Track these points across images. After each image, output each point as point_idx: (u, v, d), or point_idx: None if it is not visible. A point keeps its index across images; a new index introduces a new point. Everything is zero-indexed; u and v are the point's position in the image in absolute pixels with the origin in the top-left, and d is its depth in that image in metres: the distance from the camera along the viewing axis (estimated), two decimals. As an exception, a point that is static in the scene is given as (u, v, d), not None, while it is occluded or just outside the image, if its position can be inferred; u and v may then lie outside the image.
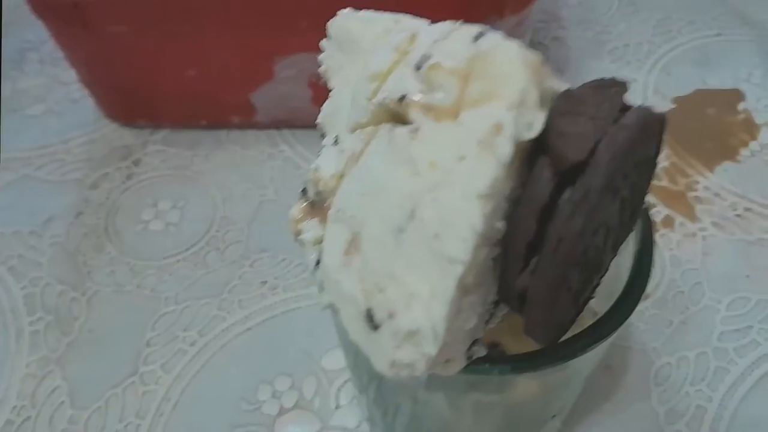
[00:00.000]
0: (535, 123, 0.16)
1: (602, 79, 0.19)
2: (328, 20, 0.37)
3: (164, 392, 0.34)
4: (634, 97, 0.47)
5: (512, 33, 0.39)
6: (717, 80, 0.48)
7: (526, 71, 0.16)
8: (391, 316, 0.17)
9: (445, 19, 0.37)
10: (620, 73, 0.49)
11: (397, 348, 0.17)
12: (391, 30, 0.23)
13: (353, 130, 0.22)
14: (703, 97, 0.48)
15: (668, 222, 0.40)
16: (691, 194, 0.42)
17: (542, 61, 0.17)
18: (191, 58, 0.40)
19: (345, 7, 0.36)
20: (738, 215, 0.41)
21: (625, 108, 0.18)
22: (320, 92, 0.41)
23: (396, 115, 0.19)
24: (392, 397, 0.27)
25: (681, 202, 0.41)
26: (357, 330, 0.18)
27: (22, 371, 0.35)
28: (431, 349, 0.16)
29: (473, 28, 0.18)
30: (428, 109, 0.17)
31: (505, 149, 0.15)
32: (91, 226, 0.40)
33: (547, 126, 0.16)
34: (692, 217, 0.41)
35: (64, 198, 0.42)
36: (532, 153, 0.17)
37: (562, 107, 0.17)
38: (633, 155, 0.17)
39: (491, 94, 0.16)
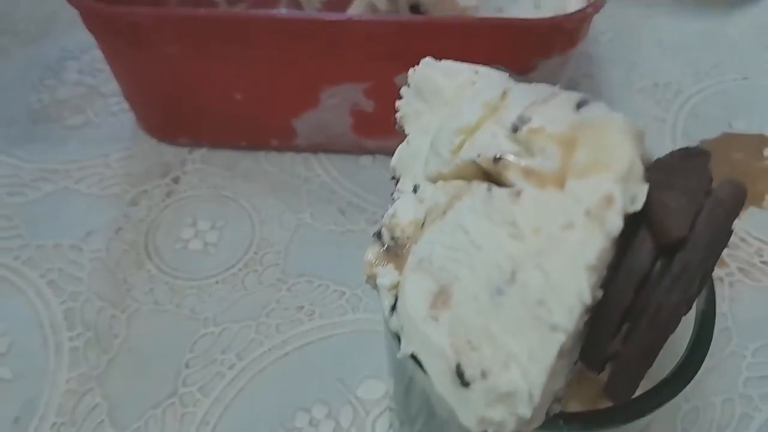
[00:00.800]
0: (639, 196, 0.17)
1: (687, 149, 0.20)
2: (377, 52, 0.38)
3: (203, 415, 0.34)
4: (663, 138, 0.48)
5: (556, 72, 0.40)
6: (743, 124, 0.49)
7: (633, 143, 0.17)
8: (484, 374, 0.17)
9: (494, 61, 0.38)
10: (650, 112, 0.50)
11: (489, 406, 0.17)
12: (473, 81, 0.23)
13: (434, 180, 0.22)
14: (729, 141, 0.49)
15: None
16: (720, 239, 0.42)
17: (643, 132, 0.18)
18: (239, 82, 0.40)
19: (395, 42, 0.37)
20: (763, 261, 0.41)
21: (710, 177, 0.19)
22: (361, 120, 0.42)
23: (485, 173, 0.20)
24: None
25: (710, 246, 0.42)
26: (443, 383, 0.19)
27: (62, 387, 0.35)
28: (525, 411, 0.17)
29: (574, 95, 0.19)
30: (529, 173, 0.18)
31: (615, 222, 0.16)
32: (131, 242, 0.41)
33: (646, 197, 0.17)
34: (720, 262, 0.41)
35: (104, 213, 0.42)
36: (628, 222, 0.17)
37: (657, 179, 0.18)
38: (726, 229, 0.18)
39: (598, 165, 0.17)
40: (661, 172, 0.18)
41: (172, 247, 0.41)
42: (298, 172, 0.45)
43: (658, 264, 0.17)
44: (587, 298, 0.16)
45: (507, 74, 0.22)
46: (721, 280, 0.40)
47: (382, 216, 0.42)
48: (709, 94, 0.51)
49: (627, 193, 0.16)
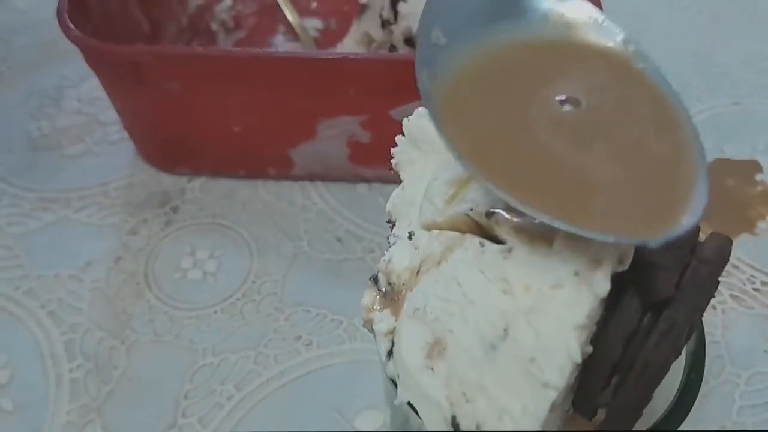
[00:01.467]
0: (626, 257, 0.17)
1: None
2: (371, 87, 0.39)
3: (202, 446, 0.35)
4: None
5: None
6: (735, 150, 0.50)
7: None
8: (479, 427, 0.18)
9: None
10: (643, 139, 0.50)
11: (484, 457, 0.18)
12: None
13: (428, 228, 0.23)
14: (722, 167, 0.49)
15: (691, 294, 0.42)
16: (712, 266, 0.43)
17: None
18: (238, 115, 0.41)
19: (391, 77, 0.38)
20: (756, 289, 0.42)
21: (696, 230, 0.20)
22: (357, 151, 0.43)
23: (478, 225, 0.21)
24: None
25: (703, 274, 0.43)
26: (439, 432, 0.19)
27: (63, 418, 0.35)
28: (519, 462, 0.17)
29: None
30: (519, 229, 0.19)
31: (603, 285, 0.17)
32: (131, 272, 0.41)
33: (634, 255, 0.18)
34: (713, 289, 0.42)
35: (104, 242, 0.42)
36: (616, 277, 0.18)
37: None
38: (711, 284, 0.18)
39: (585, 226, 0.17)
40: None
41: (172, 277, 0.41)
42: (296, 200, 0.45)
43: (646, 319, 0.18)
44: (577, 357, 0.16)
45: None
46: (713, 307, 0.41)
47: (379, 245, 0.42)
48: (701, 119, 0.52)
49: (614, 255, 0.17)
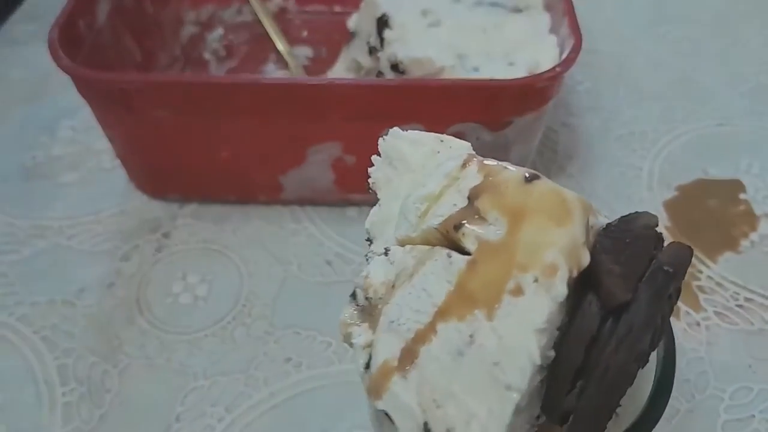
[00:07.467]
0: (583, 261, 0.18)
1: (636, 214, 0.21)
2: (360, 111, 0.40)
3: (193, 468, 0.35)
4: (640, 186, 0.49)
5: (531, 126, 0.42)
6: (718, 170, 0.51)
7: (578, 215, 0.18)
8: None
9: (470, 119, 0.40)
10: (627, 160, 0.51)
11: (454, 461, 0.19)
12: (437, 150, 0.25)
13: (402, 244, 0.24)
14: (705, 186, 0.50)
15: (674, 311, 0.42)
16: (695, 283, 0.44)
17: (590, 204, 0.19)
18: (228, 142, 0.42)
19: (377, 102, 0.39)
20: (739, 305, 0.42)
21: (658, 240, 0.20)
22: (342, 174, 0.43)
23: (448, 238, 0.21)
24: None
25: (686, 291, 0.43)
26: (412, 439, 0.20)
27: (56, 442, 0.36)
28: (487, 466, 0.18)
29: (523, 170, 0.20)
30: (483, 241, 0.19)
31: (560, 290, 0.17)
32: (123, 297, 0.42)
33: (593, 262, 0.18)
34: (696, 306, 0.43)
35: (97, 269, 0.43)
36: (576, 284, 0.19)
37: (604, 244, 0.19)
38: (668, 290, 0.19)
39: (545, 234, 0.18)
40: (609, 238, 0.19)
41: (163, 301, 0.42)
42: (286, 224, 0.46)
43: (608, 324, 0.19)
44: (537, 359, 0.17)
45: (469, 143, 0.24)
46: (698, 324, 0.42)
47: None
48: (684, 141, 0.53)
49: (572, 261, 0.18)
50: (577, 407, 0.19)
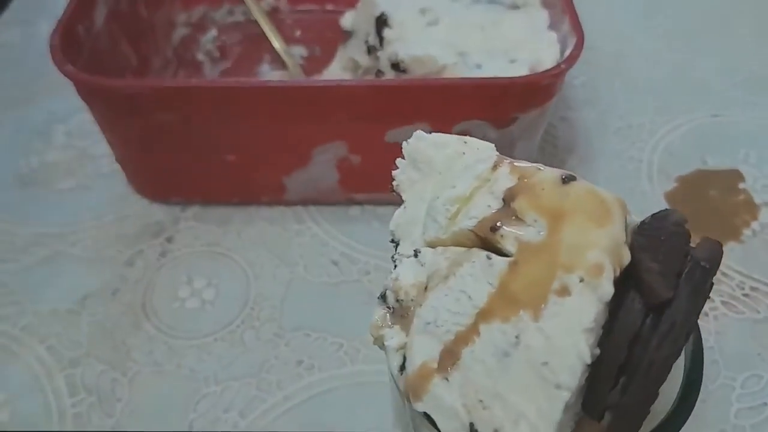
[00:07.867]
0: (624, 260, 0.18)
1: (666, 211, 0.21)
2: (364, 111, 0.39)
3: (211, 476, 0.35)
4: (640, 178, 0.50)
5: (535, 123, 0.42)
6: (716, 160, 0.51)
7: (618, 214, 0.18)
8: (496, 432, 0.18)
9: (475, 117, 0.39)
10: (626, 153, 0.51)
11: (503, 462, 0.18)
12: (462, 152, 0.24)
13: (432, 245, 0.23)
14: (705, 177, 0.50)
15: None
16: (701, 274, 0.44)
17: (625, 203, 0.19)
18: (233, 145, 0.41)
19: (383, 102, 0.39)
20: (745, 294, 0.43)
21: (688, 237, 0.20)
22: (347, 174, 0.43)
23: (484, 240, 0.21)
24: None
25: (693, 282, 0.43)
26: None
27: (67, 454, 0.35)
28: (537, 465, 0.18)
29: (558, 172, 0.20)
30: (523, 242, 0.19)
31: (606, 289, 0.17)
32: (128, 303, 0.41)
33: (632, 260, 0.18)
34: (704, 296, 0.43)
35: (100, 275, 0.43)
36: (618, 282, 0.19)
37: (641, 243, 0.19)
38: (705, 286, 0.19)
39: (586, 234, 0.18)
40: (644, 236, 0.19)
41: (170, 306, 0.41)
42: (290, 225, 0.46)
43: (648, 321, 0.19)
44: (587, 358, 0.17)
45: (493, 144, 0.24)
46: (706, 314, 0.42)
47: (375, 266, 0.43)
48: (682, 132, 0.53)
49: (615, 260, 0.18)
50: (621, 403, 0.19)
